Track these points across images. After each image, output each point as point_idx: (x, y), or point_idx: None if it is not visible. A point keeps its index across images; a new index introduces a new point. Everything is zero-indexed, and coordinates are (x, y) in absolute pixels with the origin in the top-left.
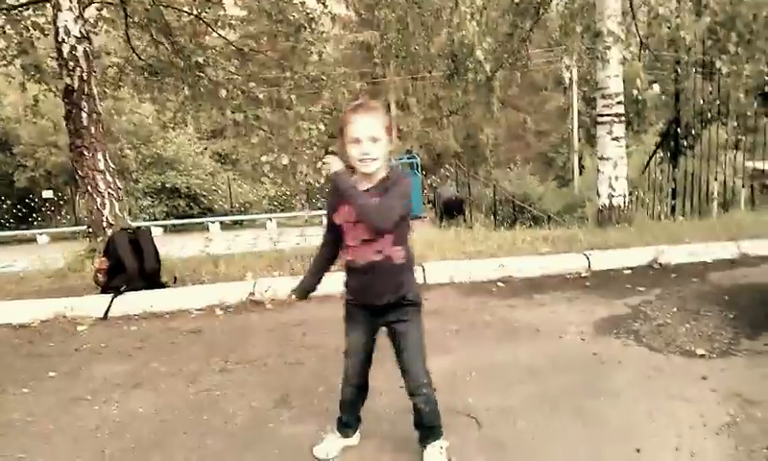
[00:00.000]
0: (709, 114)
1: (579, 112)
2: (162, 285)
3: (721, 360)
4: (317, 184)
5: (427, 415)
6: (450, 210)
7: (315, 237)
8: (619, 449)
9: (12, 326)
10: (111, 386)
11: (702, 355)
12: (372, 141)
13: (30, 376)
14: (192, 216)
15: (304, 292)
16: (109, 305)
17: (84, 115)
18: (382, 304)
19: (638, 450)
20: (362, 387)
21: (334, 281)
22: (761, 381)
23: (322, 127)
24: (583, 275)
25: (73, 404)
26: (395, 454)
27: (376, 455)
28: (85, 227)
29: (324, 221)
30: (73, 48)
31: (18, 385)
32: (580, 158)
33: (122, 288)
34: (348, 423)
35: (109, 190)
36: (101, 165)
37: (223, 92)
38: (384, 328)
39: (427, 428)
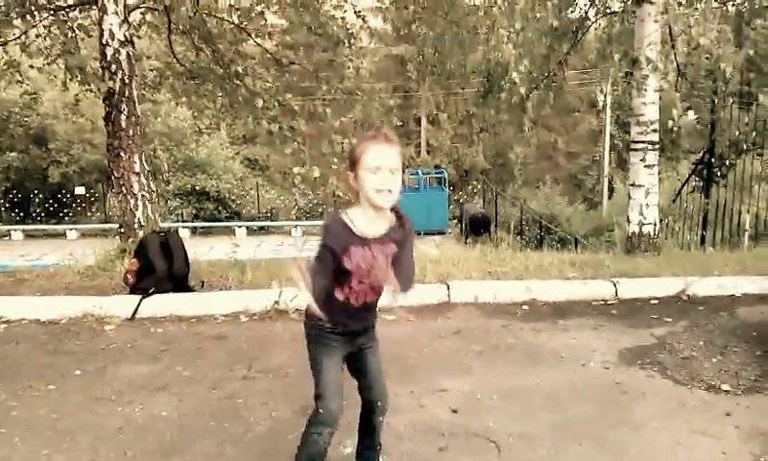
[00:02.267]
0: (745, 145)
1: (611, 136)
2: (190, 289)
3: (746, 397)
4: (345, 196)
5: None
6: (476, 227)
7: None
8: None
9: (41, 321)
10: (136, 388)
11: (727, 391)
12: (391, 173)
13: (56, 373)
14: (219, 220)
15: None
16: (137, 306)
17: (123, 118)
18: (360, 329)
19: None
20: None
21: None
22: None
23: (354, 140)
24: (609, 302)
25: (97, 404)
26: None
27: None
28: (117, 226)
29: (319, 250)
30: (116, 51)
31: (45, 382)
32: (610, 182)
33: (150, 290)
34: None
35: (143, 192)
36: (136, 167)
37: (259, 102)
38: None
39: (378, 447)
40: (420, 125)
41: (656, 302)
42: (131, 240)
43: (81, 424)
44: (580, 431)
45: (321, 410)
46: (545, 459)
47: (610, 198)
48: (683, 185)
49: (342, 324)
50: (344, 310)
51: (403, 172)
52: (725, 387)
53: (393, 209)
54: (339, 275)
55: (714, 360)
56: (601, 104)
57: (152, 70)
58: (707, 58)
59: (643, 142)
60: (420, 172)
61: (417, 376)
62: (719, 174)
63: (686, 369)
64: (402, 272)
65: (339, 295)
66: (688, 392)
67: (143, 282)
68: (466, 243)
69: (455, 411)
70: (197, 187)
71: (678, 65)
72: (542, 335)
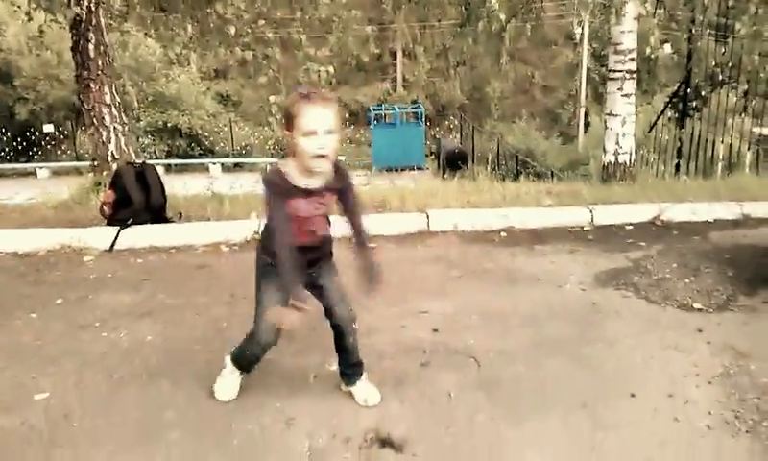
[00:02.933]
0: (720, 77)
1: (588, 69)
2: (168, 221)
3: (717, 315)
4: None
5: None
6: (453, 162)
7: None
8: (614, 393)
9: (18, 254)
10: (119, 315)
11: (699, 310)
12: (327, 134)
13: (37, 302)
14: (193, 157)
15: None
16: (116, 238)
17: (92, 47)
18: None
19: (633, 395)
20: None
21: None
22: (756, 336)
23: (331, 69)
24: (585, 228)
25: (81, 331)
26: (396, 387)
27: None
28: (88, 164)
29: (271, 200)
30: None
31: (26, 310)
32: (586, 116)
33: (128, 221)
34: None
35: (115, 124)
36: (107, 98)
37: (232, 29)
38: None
39: (356, 364)
40: (395, 59)
41: (630, 227)
42: (105, 173)
43: (65, 349)
44: (556, 348)
45: (256, 337)
46: (524, 373)
47: (585, 132)
48: (658, 116)
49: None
50: (294, 249)
51: (345, 126)
52: (697, 306)
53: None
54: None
55: (687, 281)
56: (578, 36)
57: None
58: None
59: (621, 71)
60: (396, 107)
61: (398, 299)
62: (694, 106)
63: (660, 289)
64: (354, 218)
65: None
66: (662, 310)
67: (120, 214)
68: (443, 178)
69: (436, 330)
70: (168, 124)
71: None
72: (520, 260)
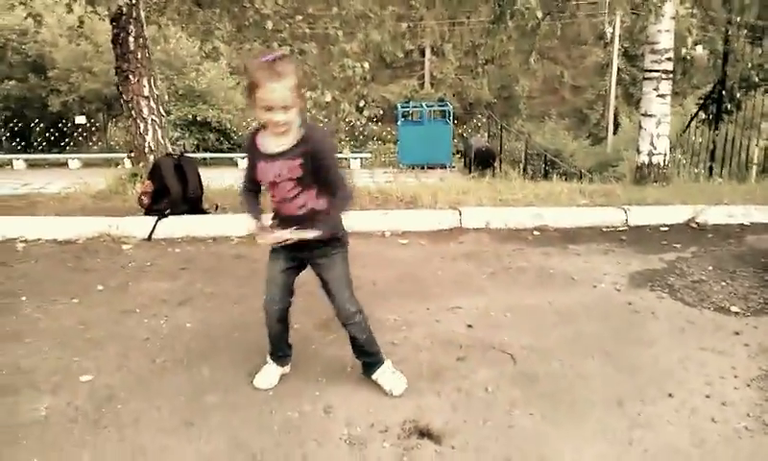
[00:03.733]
0: (756, 79)
1: (618, 69)
2: (204, 212)
3: (754, 318)
4: (359, 123)
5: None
6: (481, 161)
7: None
8: (651, 393)
9: (58, 241)
10: (159, 302)
11: (736, 313)
12: (283, 111)
13: (79, 288)
14: (222, 151)
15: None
16: (154, 227)
17: (132, 40)
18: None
19: (671, 395)
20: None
21: (372, 220)
22: None
23: (367, 65)
24: (619, 229)
25: (123, 316)
26: (433, 380)
27: (413, 381)
28: (118, 155)
29: (244, 170)
30: None
31: (68, 296)
32: (615, 117)
33: (166, 211)
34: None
35: (153, 116)
36: (145, 91)
37: (269, 24)
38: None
39: (370, 356)
40: (423, 56)
41: (665, 229)
42: (141, 164)
43: (108, 334)
44: (592, 347)
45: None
46: (559, 370)
47: (615, 133)
48: (692, 118)
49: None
50: (283, 224)
51: (301, 92)
52: (734, 309)
53: (304, 125)
54: (258, 188)
55: (723, 284)
56: (609, 36)
57: None
58: None
59: (657, 71)
60: (423, 105)
61: (431, 294)
62: (728, 108)
63: (696, 291)
64: (328, 184)
65: (273, 205)
66: (698, 312)
67: (158, 204)
68: (471, 177)
69: (470, 326)
70: (198, 118)
71: None
72: (553, 259)
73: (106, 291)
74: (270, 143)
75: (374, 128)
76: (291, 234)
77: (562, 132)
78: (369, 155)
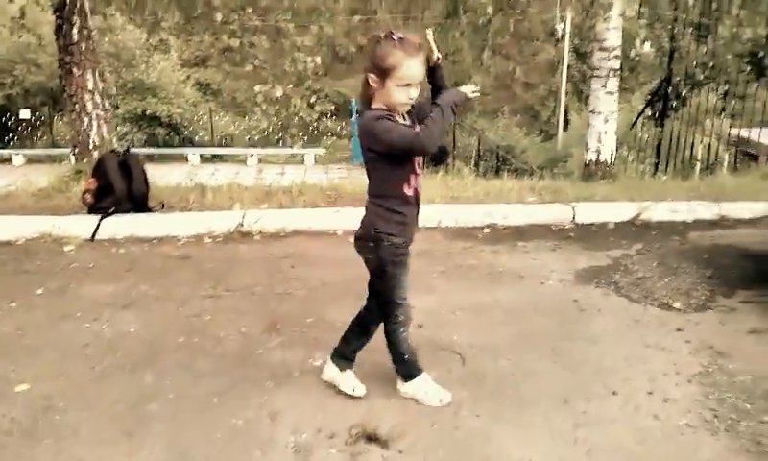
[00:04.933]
0: (701, 76)
1: (569, 66)
2: (150, 210)
3: (697, 314)
4: (309, 119)
5: None
6: (434, 157)
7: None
8: (595, 390)
9: None
10: (101, 306)
11: (678, 309)
12: (418, 86)
13: (18, 291)
14: (171, 146)
15: None
16: (97, 227)
17: (75, 31)
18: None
19: (615, 393)
20: None
21: (323, 218)
22: (734, 336)
23: (318, 60)
24: (567, 226)
25: (63, 321)
26: (382, 383)
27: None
28: (65, 151)
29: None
30: None
31: (6, 300)
32: (566, 113)
33: (110, 210)
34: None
35: (97, 111)
36: (90, 85)
37: (218, 16)
38: None
39: None
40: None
41: (612, 226)
42: (85, 161)
43: (46, 340)
44: (539, 344)
45: (400, 315)
46: (506, 368)
47: (565, 130)
48: (639, 115)
49: (409, 230)
50: (410, 210)
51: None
52: (676, 305)
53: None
54: (406, 163)
55: (667, 280)
56: (560, 33)
57: None
58: None
59: (605, 68)
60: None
61: None
62: (674, 106)
63: (640, 288)
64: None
65: (407, 190)
66: (642, 309)
67: (102, 203)
68: (424, 172)
69: (421, 326)
70: (147, 112)
71: None
72: (503, 256)
73: (45, 294)
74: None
75: (329, 123)
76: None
77: (514, 128)
78: (323, 150)
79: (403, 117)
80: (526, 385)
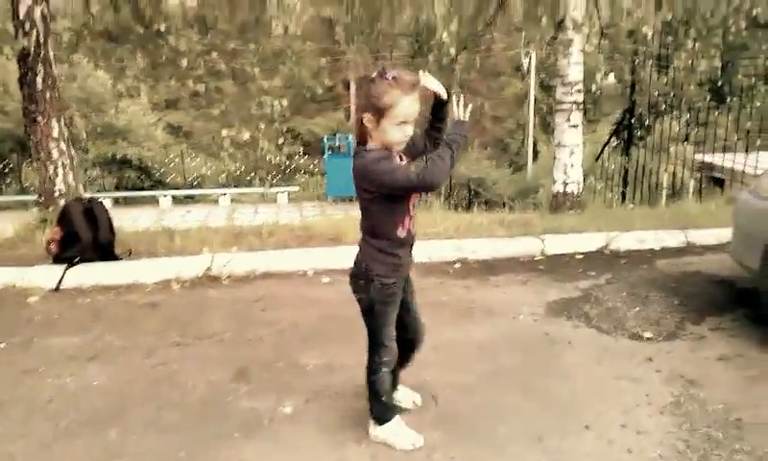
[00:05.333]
0: (663, 107)
1: (535, 99)
2: (117, 258)
3: (667, 343)
4: (276, 161)
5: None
6: None
7: (268, 214)
8: (568, 425)
9: None
10: (66, 358)
11: (649, 338)
12: (413, 124)
13: None
14: (143, 189)
15: None
16: (62, 277)
17: (40, 80)
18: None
19: (587, 427)
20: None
21: (293, 259)
22: (704, 364)
23: (285, 102)
24: (537, 258)
25: (26, 376)
26: (354, 428)
27: (334, 431)
28: (33, 198)
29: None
30: (30, 9)
31: None
32: (534, 145)
33: (75, 259)
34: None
35: (63, 159)
36: (55, 133)
37: (184, 62)
38: None
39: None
40: (348, 89)
41: (581, 256)
42: (51, 209)
43: (9, 396)
44: (512, 380)
45: (385, 356)
46: (479, 407)
47: (534, 161)
48: (604, 145)
49: (403, 271)
50: (406, 248)
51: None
52: (647, 335)
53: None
54: (400, 204)
55: (636, 310)
56: (526, 67)
57: (68, 29)
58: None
59: (568, 102)
60: (350, 137)
61: (353, 335)
62: (638, 135)
63: (610, 318)
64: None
65: (401, 232)
66: (613, 340)
67: (67, 252)
68: None
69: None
70: (118, 156)
71: (601, 27)
72: (474, 292)
73: (8, 349)
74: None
75: (301, 161)
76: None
77: (484, 161)
78: (296, 188)
79: (400, 157)
80: (500, 424)
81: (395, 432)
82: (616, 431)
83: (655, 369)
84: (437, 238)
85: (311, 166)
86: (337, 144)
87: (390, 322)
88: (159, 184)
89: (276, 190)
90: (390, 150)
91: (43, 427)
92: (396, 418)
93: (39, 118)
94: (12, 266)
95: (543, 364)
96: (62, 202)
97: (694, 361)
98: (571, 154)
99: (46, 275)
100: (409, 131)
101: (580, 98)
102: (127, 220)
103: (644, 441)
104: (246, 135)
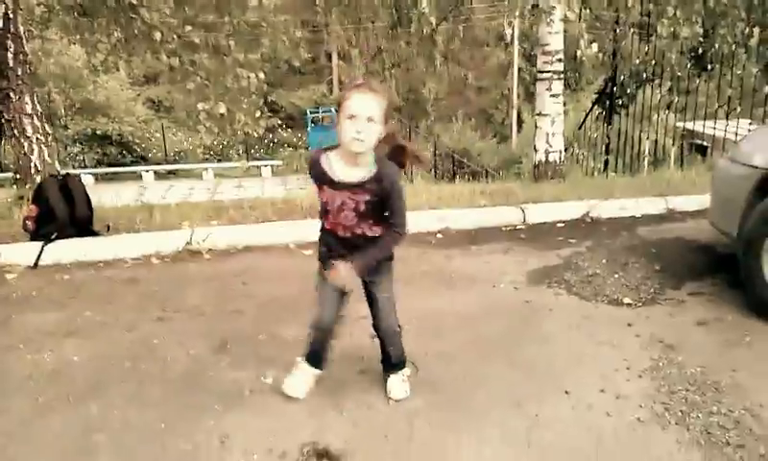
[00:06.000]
0: (645, 75)
1: (519, 69)
2: (95, 233)
3: (645, 308)
4: (255, 135)
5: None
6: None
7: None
8: (548, 391)
9: None
10: (44, 335)
11: (628, 304)
12: (367, 122)
13: None
14: (125, 164)
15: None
16: (40, 253)
17: (10, 56)
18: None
19: (567, 392)
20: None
21: (275, 232)
22: (683, 328)
23: (261, 75)
24: (518, 227)
25: (4, 353)
26: (334, 396)
27: (315, 399)
28: (11, 174)
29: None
30: None
31: None
32: (519, 115)
33: (52, 236)
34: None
35: (38, 135)
36: (28, 109)
37: (157, 35)
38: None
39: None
40: (331, 61)
41: (561, 225)
42: (27, 186)
43: None
44: (492, 348)
45: (313, 317)
46: (460, 375)
47: (519, 131)
48: (587, 114)
49: (334, 250)
50: (333, 237)
51: (386, 123)
52: (626, 300)
53: (378, 161)
54: (322, 205)
55: (616, 276)
56: (509, 37)
57: (39, 5)
58: None
59: (549, 72)
60: (333, 110)
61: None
62: (620, 103)
63: (591, 285)
64: (388, 217)
65: (326, 224)
66: (593, 307)
67: (44, 229)
68: None
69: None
70: (98, 131)
71: None
72: (455, 261)
73: None
74: (339, 169)
75: (285, 134)
76: (356, 275)
77: (469, 132)
78: (279, 162)
79: (372, 179)
80: (480, 391)
81: (289, 375)
82: (595, 396)
83: (634, 334)
84: (419, 209)
85: (294, 140)
86: (320, 116)
87: (321, 296)
88: (142, 160)
89: (259, 164)
90: (347, 152)
91: (22, 404)
92: (299, 369)
93: (12, 95)
94: None
95: (524, 332)
96: (38, 178)
97: (673, 326)
98: (552, 123)
99: (24, 252)
100: (361, 128)
101: (560, 67)
102: (109, 195)
103: (623, 405)
104: (222, 109)
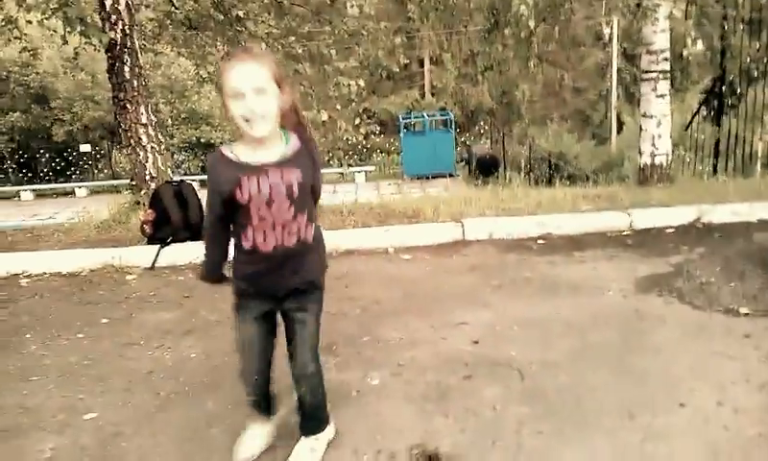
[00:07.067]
0: (756, 72)
1: (618, 69)
2: None
3: (765, 320)
4: (355, 140)
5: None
6: (485, 168)
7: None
8: (662, 403)
9: (62, 274)
10: (162, 332)
11: (746, 314)
12: (256, 93)
13: (83, 322)
14: None
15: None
16: (156, 256)
17: (127, 69)
18: (280, 288)
19: (682, 404)
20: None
21: (374, 237)
22: None
23: (361, 82)
24: (624, 233)
25: (127, 349)
26: (439, 401)
27: (420, 403)
28: (125, 181)
29: (207, 199)
30: (115, 1)
31: (73, 331)
32: (618, 116)
33: (168, 239)
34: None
35: (152, 144)
36: (143, 118)
37: (263, 47)
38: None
39: (307, 417)
40: (423, 67)
41: (671, 231)
42: (143, 192)
43: (112, 368)
44: (601, 357)
45: (238, 370)
46: (567, 384)
47: (618, 133)
48: (694, 115)
49: (255, 282)
50: (255, 262)
51: (283, 92)
52: (743, 310)
53: (296, 130)
54: (238, 217)
55: (732, 285)
56: (607, 36)
57: (151, 20)
58: None
59: (654, 71)
60: (425, 115)
61: (435, 311)
62: (729, 103)
63: (704, 294)
64: (312, 208)
65: (245, 243)
66: (707, 316)
67: (160, 232)
68: (475, 184)
69: (476, 342)
70: (202, 139)
71: None
72: (559, 267)
73: (110, 324)
74: (249, 154)
75: (377, 140)
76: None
77: (565, 134)
78: (372, 168)
79: (297, 153)
80: (588, 400)
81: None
82: (712, 409)
83: (753, 346)
84: (518, 214)
85: (387, 145)
86: (412, 122)
87: (242, 342)
88: None
89: (354, 170)
90: (256, 140)
91: (144, 398)
92: (250, 428)
93: (128, 105)
94: (110, 247)
95: (633, 340)
96: (153, 185)
97: None
98: (659, 124)
99: (141, 254)
100: (253, 102)
101: (666, 66)
102: None
103: (742, 419)
104: (324, 116)
